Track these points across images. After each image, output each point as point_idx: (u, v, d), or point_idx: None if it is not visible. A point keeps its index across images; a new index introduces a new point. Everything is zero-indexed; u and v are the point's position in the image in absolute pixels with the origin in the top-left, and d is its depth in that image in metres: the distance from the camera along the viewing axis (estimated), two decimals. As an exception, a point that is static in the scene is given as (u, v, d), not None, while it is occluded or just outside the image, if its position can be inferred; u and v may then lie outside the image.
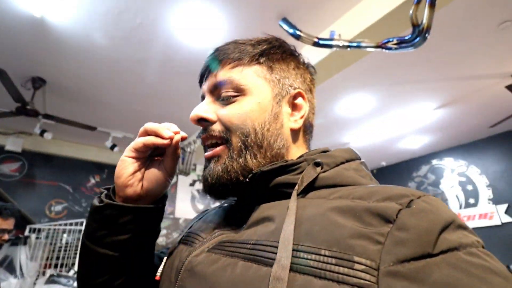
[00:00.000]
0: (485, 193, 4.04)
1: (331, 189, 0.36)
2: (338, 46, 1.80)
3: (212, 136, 0.43)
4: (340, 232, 0.29)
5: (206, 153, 0.45)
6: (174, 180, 4.51)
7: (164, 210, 0.49)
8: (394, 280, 0.24)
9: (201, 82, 0.50)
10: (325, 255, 0.28)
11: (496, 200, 3.92)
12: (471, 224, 4.04)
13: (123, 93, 2.86)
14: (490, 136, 4.13)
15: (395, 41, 1.58)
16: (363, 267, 0.25)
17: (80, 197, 3.80)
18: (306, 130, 0.49)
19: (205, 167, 0.45)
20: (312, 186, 0.38)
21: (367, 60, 2.33)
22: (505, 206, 3.80)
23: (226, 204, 0.50)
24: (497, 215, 3.83)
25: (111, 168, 4.12)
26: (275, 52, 0.47)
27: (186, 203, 4.55)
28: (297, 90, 0.47)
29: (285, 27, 1.98)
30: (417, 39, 1.50)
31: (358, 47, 1.74)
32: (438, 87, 2.90)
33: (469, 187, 4.22)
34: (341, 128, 3.74)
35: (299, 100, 0.47)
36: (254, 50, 0.46)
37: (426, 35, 1.51)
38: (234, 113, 0.42)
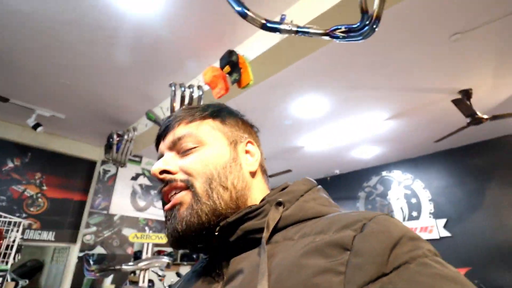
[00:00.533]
0: (427, 207, 4.17)
1: (296, 226, 0.38)
2: (286, 30, 1.62)
3: (175, 187, 0.44)
4: (305, 272, 0.30)
5: (166, 206, 0.44)
6: (113, 171, 4.07)
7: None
8: None
9: (157, 145, 0.51)
10: None
11: (436, 215, 4.06)
12: (412, 237, 4.13)
13: (47, 61, 2.43)
14: (435, 152, 4.30)
15: (343, 29, 1.44)
16: None
17: (-8, 182, 3.23)
18: (263, 172, 0.52)
19: (167, 220, 0.44)
20: (277, 228, 0.39)
21: (321, 56, 2.21)
22: (444, 220, 3.94)
23: (198, 267, 0.49)
24: (436, 229, 3.95)
25: (36, 151, 3.58)
26: (223, 111, 0.52)
27: (125, 199, 4.12)
28: (247, 139, 0.51)
29: (233, 3, 1.78)
30: (366, 28, 1.37)
31: (307, 33, 1.58)
32: (390, 96, 2.89)
33: (413, 200, 4.34)
34: (296, 130, 3.62)
35: (250, 147, 0.51)
36: (205, 111, 0.50)
37: (375, 26, 1.39)
38: (195, 160, 0.44)
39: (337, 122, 3.45)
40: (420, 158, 4.43)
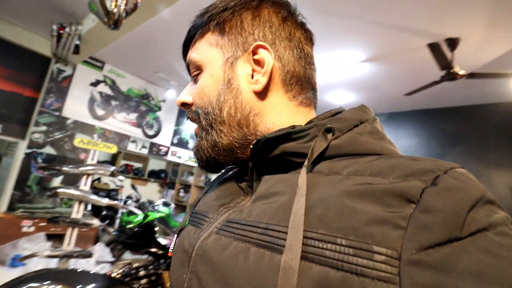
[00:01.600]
0: (387, 163, 4.17)
1: (345, 160, 0.33)
2: None
3: (192, 119, 0.44)
4: (357, 218, 0.26)
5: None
6: (68, 72, 3.80)
7: None
8: (418, 270, 0.22)
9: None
10: (341, 244, 0.25)
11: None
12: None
13: None
14: (409, 111, 4.17)
15: None
16: (383, 257, 0.23)
17: None
18: (286, 85, 0.41)
19: None
20: (323, 156, 0.34)
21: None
22: (398, 177, 3.96)
23: (230, 173, 0.47)
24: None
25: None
26: (223, 12, 0.41)
27: (82, 104, 3.93)
28: (254, 44, 0.39)
29: None
30: None
31: None
32: (367, 31, 2.54)
33: (376, 155, 4.31)
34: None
35: (259, 55, 0.39)
36: (202, 19, 0.42)
37: None
38: (195, 93, 0.42)
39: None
40: (394, 114, 4.26)
